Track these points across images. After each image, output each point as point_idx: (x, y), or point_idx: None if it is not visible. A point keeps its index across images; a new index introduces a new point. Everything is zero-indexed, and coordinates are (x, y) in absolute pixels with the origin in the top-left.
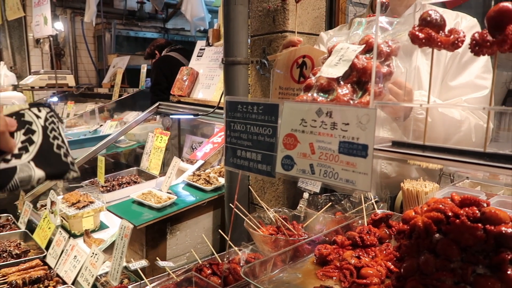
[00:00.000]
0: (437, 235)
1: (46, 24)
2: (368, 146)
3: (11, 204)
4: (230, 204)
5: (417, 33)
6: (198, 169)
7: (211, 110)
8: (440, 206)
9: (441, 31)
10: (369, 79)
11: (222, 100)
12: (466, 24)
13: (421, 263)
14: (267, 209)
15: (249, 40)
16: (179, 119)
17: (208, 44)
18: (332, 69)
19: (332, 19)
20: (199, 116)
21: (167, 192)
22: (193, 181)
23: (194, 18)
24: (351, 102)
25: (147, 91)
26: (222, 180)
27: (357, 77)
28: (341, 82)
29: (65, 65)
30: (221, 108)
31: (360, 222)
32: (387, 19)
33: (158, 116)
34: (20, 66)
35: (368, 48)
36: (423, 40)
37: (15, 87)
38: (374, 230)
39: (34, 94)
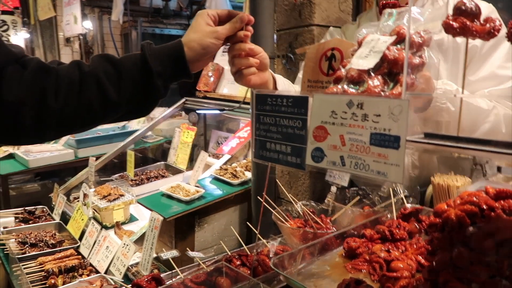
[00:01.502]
0: (471, 228)
1: (76, 23)
2: (401, 137)
3: (45, 197)
4: (258, 197)
5: (451, 22)
6: (225, 163)
7: (237, 105)
8: (474, 199)
9: (475, 20)
10: (401, 70)
11: (248, 95)
12: (482, 12)
13: (454, 257)
14: (295, 201)
15: (275, 34)
16: (205, 114)
17: None
18: (362, 61)
19: (359, 13)
20: (225, 111)
21: (195, 186)
22: (220, 175)
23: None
24: (382, 93)
25: (172, 87)
26: (248, 174)
27: (388, 69)
28: (372, 74)
29: None
30: (247, 103)
31: (389, 216)
32: (419, 10)
33: (183, 112)
34: None
35: (399, 39)
36: (458, 30)
37: None
38: (404, 224)
39: None
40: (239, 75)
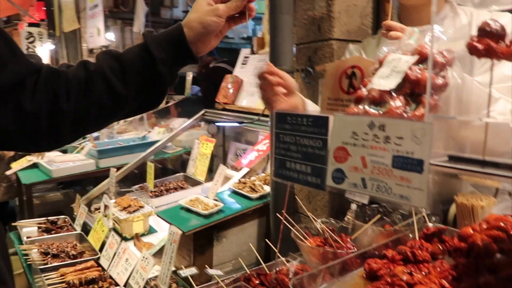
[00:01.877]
0: (498, 255)
1: (99, 35)
2: (424, 161)
3: (67, 206)
4: (277, 214)
5: (475, 44)
6: (243, 176)
7: (256, 117)
8: (501, 224)
9: (501, 41)
10: (423, 91)
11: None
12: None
13: (480, 284)
14: (314, 220)
15: (294, 48)
16: (224, 126)
17: (252, 52)
18: (384, 81)
19: (379, 27)
20: (244, 124)
21: (214, 199)
22: (239, 189)
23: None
24: (405, 114)
25: (192, 98)
26: (267, 188)
27: (410, 89)
28: (394, 94)
29: None
30: (266, 116)
31: (411, 236)
32: (441, 28)
33: (203, 123)
34: None
35: (421, 59)
36: (483, 52)
37: None
38: (427, 245)
39: None
40: (267, 104)
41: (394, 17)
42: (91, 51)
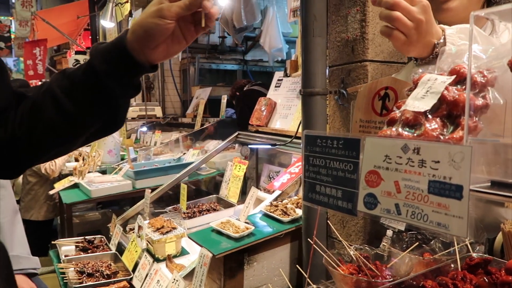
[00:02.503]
0: None
1: None
2: (463, 187)
3: (105, 226)
4: (308, 240)
5: None
6: (275, 199)
7: (289, 140)
8: None
9: None
10: (461, 112)
11: (300, 130)
12: None
13: None
14: (348, 246)
15: (327, 70)
16: (257, 148)
17: (285, 75)
18: (418, 102)
19: None
20: (277, 146)
21: (245, 222)
22: (270, 212)
23: (272, 49)
24: (441, 137)
25: (227, 120)
26: (299, 212)
27: (447, 110)
28: (429, 116)
29: (154, 97)
30: (299, 138)
31: (452, 266)
32: (481, 47)
33: (237, 145)
34: None
35: (459, 79)
36: None
37: None
38: (470, 276)
39: (126, 124)
40: None
41: None
42: None
